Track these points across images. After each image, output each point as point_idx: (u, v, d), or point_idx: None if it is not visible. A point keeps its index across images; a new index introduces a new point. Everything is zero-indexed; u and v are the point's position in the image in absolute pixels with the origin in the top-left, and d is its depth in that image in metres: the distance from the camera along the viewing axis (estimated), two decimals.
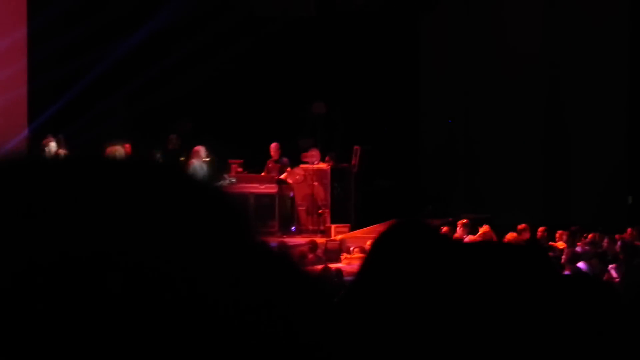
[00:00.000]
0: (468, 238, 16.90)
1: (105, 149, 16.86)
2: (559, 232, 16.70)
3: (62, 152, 16.75)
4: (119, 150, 16.84)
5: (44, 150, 16.61)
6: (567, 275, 9.92)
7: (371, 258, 2.32)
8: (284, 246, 14.73)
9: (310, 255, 15.55)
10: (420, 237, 2.27)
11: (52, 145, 16.67)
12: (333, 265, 14.60)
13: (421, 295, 2.17)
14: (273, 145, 20.22)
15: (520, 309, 2.33)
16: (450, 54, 23.48)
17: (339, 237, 18.27)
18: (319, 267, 13.46)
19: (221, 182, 18.47)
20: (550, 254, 13.55)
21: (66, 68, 19.96)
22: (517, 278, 2.35)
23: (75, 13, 20.63)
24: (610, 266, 13.11)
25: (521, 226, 17.18)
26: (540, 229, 17.01)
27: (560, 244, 15.96)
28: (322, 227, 19.68)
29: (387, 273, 2.25)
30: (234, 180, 18.77)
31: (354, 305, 2.18)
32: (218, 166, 18.82)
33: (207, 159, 18.52)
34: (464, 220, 17.47)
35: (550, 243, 16.18)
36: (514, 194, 21.78)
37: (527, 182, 22.08)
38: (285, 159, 20.19)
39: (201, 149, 18.32)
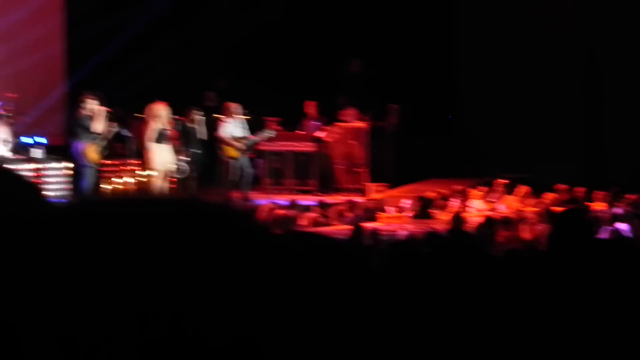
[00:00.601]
0: (505, 198, 16.86)
1: (146, 107, 16.92)
2: (599, 192, 16.58)
3: (101, 109, 16.78)
4: (162, 109, 16.82)
5: (84, 107, 16.61)
6: (604, 239, 9.86)
7: None
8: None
9: (349, 214, 15.57)
10: None
11: (92, 103, 16.66)
12: (370, 225, 14.60)
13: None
14: (310, 104, 20.20)
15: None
16: (487, 9, 23.26)
17: (377, 195, 18.26)
18: (353, 226, 13.45)
19: (259, 136, 18.49)
20: (590, 215, 13.47)
21: (104, 24, 19.99)
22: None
23: None
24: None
25: (560, 186, 17.10)
26: (580, 189, 16.90)
27: (600, 205, 15.86)
28: (359, 186, 19.67)
29: None
30: (273, 133, 18.78)
31: None
32: (255, 124, 18.84)
33: (242, 116, 18.54)
34: (502, 180, 17.40)
35: (589, 204, 16.09)
36: (553, 154, 21.65)
37: (567, 142, 21.93)
38: (322, 118, 20.17)
39: (233, 106, 18.33)
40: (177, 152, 17.42)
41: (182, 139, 17.58)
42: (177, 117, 17.63)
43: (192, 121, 17.84)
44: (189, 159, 17.54)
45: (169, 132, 16.90)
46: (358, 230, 12.66)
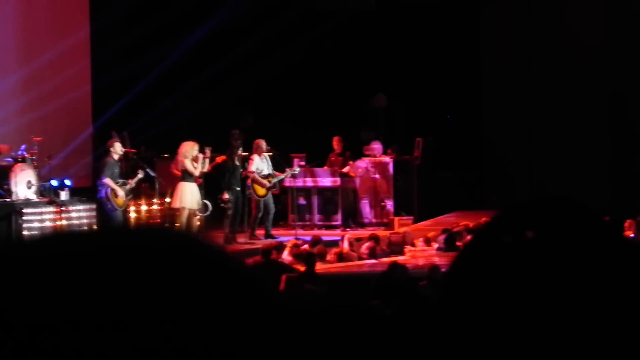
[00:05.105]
0: None
1: (180, 144, 16.89)
2: (628, 221, 16.42)
3: (126, 150, 16.82)
4: (190, 147, 16.77)
5: (110, 149, 16.54)
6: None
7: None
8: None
9: (374, 248, 15.52)
10: None
11: (118, 146, 16.58)
12: (396, 259, 14.55)
13: None
14: (335, 139, 20.24)
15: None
16: (511, 44, 23.28)
17: (403, 229, 18.21)
18: (387, 261, 13.35)
19: (285, 174, 18.51)
20: None
21: (129, 66, 20.15)
22: None
23: (137, 12, 20.83)
24: None
25: None
26: (605, 219, 16.69)
27: (628, 233, 15.74)
28: (385, 220, 19.65)
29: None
30: (297, 171, 18.82)
31: None
32: (280, 160, 18.85)
33: (269, 153, 18.52)
34: None
35: None
36: (580, 184, 21.53)
37: (593, 171, 21.83)
38: (347, 152, 20.19)
39: (262, 142, 18.34)
40: (206, 190, 17.39)
41: (225, 176, 17.52)
42: (202, 154, 17.52)
43: (236, 159, 17.70)
44: (230, 197, 17.43)
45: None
46: (394, 266, 12.50)
